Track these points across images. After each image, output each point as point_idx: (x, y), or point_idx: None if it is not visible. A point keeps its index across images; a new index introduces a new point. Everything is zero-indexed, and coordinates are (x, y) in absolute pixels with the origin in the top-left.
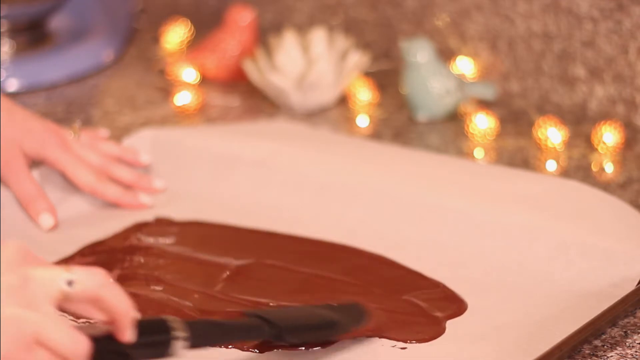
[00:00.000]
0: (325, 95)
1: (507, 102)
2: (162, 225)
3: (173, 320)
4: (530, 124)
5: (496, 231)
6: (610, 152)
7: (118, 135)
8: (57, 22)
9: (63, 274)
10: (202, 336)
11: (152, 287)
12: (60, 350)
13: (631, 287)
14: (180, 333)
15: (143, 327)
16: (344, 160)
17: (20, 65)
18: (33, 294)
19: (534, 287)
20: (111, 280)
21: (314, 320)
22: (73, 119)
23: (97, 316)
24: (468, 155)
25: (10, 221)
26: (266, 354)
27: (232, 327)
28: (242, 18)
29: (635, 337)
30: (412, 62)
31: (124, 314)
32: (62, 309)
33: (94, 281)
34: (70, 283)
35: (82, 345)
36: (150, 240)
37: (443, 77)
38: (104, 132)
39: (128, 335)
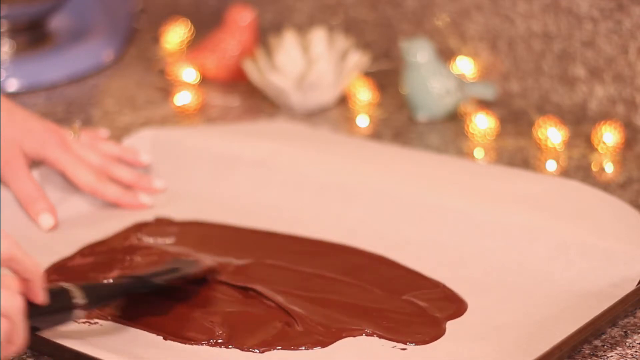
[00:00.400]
0: (325, 95)
1: (507, 102)
2: (162, 225)
3: (70, 286)
4: (530, 124)
5: (496, 231)
6: (610, 152)
7: (118, 135)
8: (57, 22)
9: None
10: (95, 295)
11: None
12: (2, 308)
13: (631, 287)
14: (78, 295)
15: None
16: (344, 160)
17: (20, 65)
18: None
19: (534, 287)
20: (18, 244)
21: (163, 267)
22: (73, 119)
23: (15, 285)
24: (468, 155)
25: (10, 221)
26: (266, 354)
27: (117, 286)
28: (242, 18)
29: (635, 337)
30: (412, 62)
31: (36, 272)
32: None
33: (6, 243)
34: None
35: (18, 300)
36: (150, 240)
37: (443, 77)
38: (104, 132)
39: (41, 296)
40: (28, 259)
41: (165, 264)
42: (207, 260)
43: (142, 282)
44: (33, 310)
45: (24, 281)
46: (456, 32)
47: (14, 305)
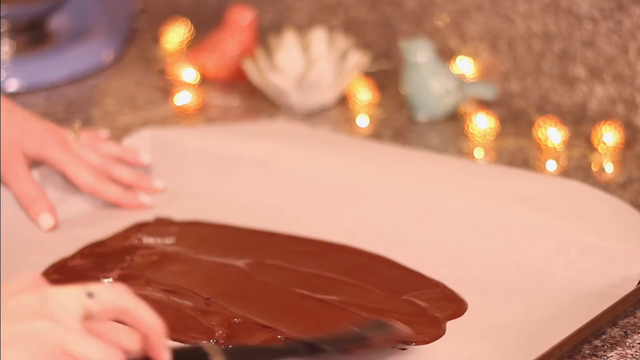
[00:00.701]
0: (325, 95)
1: (507, 102)
2: (162, 225)
3: (210, 347)
4: (530, 124)
5: (496, 231)
6: (610, 152)
7: (118, 135)
8: (57, 22)
9: (82, 289)
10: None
11: (152, 288)
12: None
13: (631, 287)
14: (218, 358)
15: (179, 354)
16: (344, 160)
17: (20, 65)
18: (56, 311)
19: (534, 287)
20: (130, 292)
21: (343, 333)
22: (73, 119)
23: (129, 344)
24: (468, 155)
25: (10, 221)
26: None
27: (267, 351)
28: (242, 18)
29: (635, 337)
30: (412, 62)
31: (153, 326)
32: (91, 333)
33: (115, 292)
34: (90, 295)
35: (115, 356)
36: (150, 240)
37: (443, 77)
38: (104, 132)
39: (164, 355)
40: (142, 310)
41: (346, 332)
42: (399, 326)
43: (308, 347)
44: None
45: (144, 340)
46: (456, 32)
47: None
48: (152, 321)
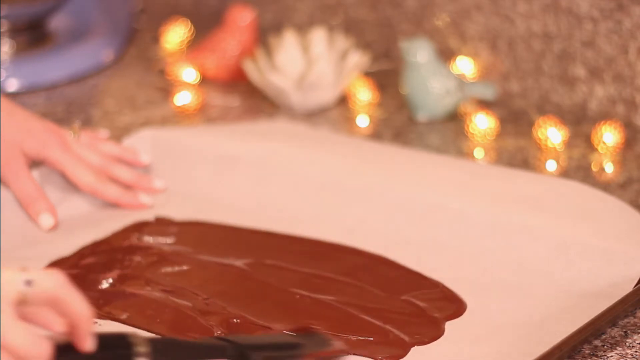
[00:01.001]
0: (325, 95)
1: (507, 102)
2: (162, 225)
3: (134, 336)
4: (530, 124)
5: (496, 231)
6: (610, 152)
7: (118, 135)
8: (57, 22)
9: (21, 275)
10: (163, 354)
11: (151, 287)
12: (21, 353)
13: (631, 287)
14: (141, 349)
15: (103, 342)
16: (344, 160)
17: (20, 65)
18: None
19: (534, 287)
20: (68, 282)
21: (276, 339)
22: (73, 119)
23: (55, 326)
24: (468, 155)
25: (10, 221)
26: None
27: (194, 346)
28: (242, 18)
29: (635, 337)
30: (412, 62)
31: (83, 317)
32: (21, 317)
33: (53, 281)
34: (28, 283)
35: (43, 348)
36: (150, 240)
37: (443, 77)
38: (104, 132)
39: (88, 343)
40: (75, 300)
41: (279, 336)
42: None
43: (236, 350)
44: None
45: (71, 325)
46: (456, 32)
47: (39, 351)
48: (81, 309)
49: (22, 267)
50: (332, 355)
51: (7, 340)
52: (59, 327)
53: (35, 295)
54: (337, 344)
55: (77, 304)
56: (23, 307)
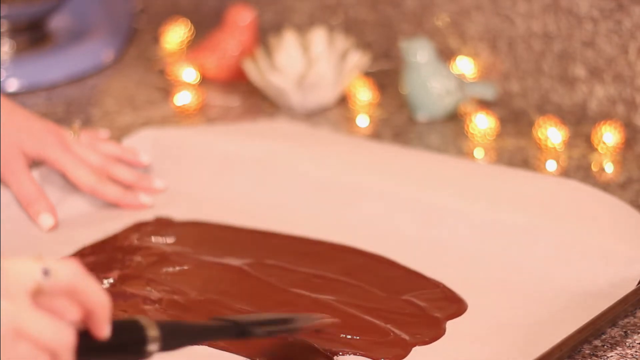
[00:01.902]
0: (325, 95)
1: (507, 102)
2: (162, 225)
3: (145, 319)
4: (530, 124)
5: (496, 231)
6: (610, 152)
7: (118, 135)
8: (57, 22)
9: (38, 264)
10: (174, 336)
11: (151, 287)
12: (44, 341)
13: (631, 287)
14: (152, 332)
15: (115, 327)
16: (344, 160)
17: (20, 65)
18: (7, 286)
19: (534, 287)
20: (85, 271)
21: (273, 316)
22: (73, 119)
23: (71, 315)
24: (468, 155)
25: (10, 221)
26: None
27: (202, 328)
28: (242, 18)
29: (635, 337)
30: (412, 62)
31: (100, 305)
32: (37, 306)
33: (70, 270)
34: (46, 272)
35: (67, 335)
36: (150, 240)
37: (443, 77)
38: (104, 132)
39: (105, 330)
40: (92, 289)
41: (273, 314)
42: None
43: (239, 328)
44: (94, 347)
45: (87, 313)
46: (456, 32)
47: (62, 339)
48: (99, 297)
49: (38, 256)
50: (327, 328)
51: (28, 330)
52: (73, 315)
53: (53, 284)
54: (328, 319)
55: (95, 292)
56: (40, 297)
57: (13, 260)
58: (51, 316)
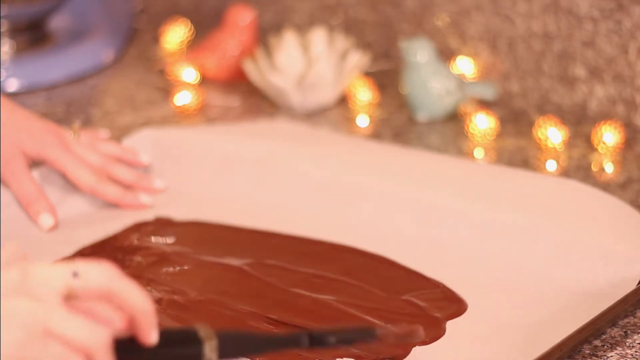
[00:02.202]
0: (325, 95)
1: (507, 102)
2: (162, 225)
3: (204, 329)
4: (530, 124)
5: (496, 231)
6: (610, 152)
7: (118, 135)
8: (57, 22)
9: (67, 267)
10: (232, 347)
11: (151, 287)
12: (76, 341)
13: (631, 287)
14: (211, 343)
15: (171, 337)
16: (344, 160)
17: (20, 65)
18: (37, 288)
19: (534, 287)
20: (120, 273)
21: (343, 327)
22: (73, 119)
23: (115, 322)
24: (468, 155)
25: (10, 221)
26: None
27: (264, 339)
28: (242, 18)
29: (635, 337)
30: (412, 62)
31: (142, 308)
32: (70, 308)
33: (102, 273)
34: (75, 274)
35: (101, 336)
36: (150, 240)
37: (443, 77)
38: (104, 132)
39: (152, 336)
40: (130, 293)
41: (350, 325)
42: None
43: (311, 338)
44: (140, 354)
45: (130, 318)
46: (456, 32)
47: (96, 339)
48: (140, 301)
49: (70, 259)
50: (408, 336)
51: (58, 330)
52: (117, 322)
53: (85, 287)
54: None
55: (134, 295)
56: (74, 302)
57: (42, 264)
58: (84, 317)
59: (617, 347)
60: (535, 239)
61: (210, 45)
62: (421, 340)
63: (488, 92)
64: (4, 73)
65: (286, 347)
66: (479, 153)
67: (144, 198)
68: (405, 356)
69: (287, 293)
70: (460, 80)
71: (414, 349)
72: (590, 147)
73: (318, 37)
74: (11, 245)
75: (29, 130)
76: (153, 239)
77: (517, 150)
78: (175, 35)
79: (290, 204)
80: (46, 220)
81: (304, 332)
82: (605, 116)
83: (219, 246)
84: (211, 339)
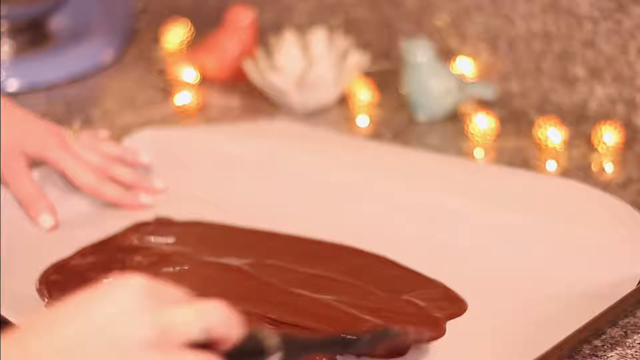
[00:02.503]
0: (325, 95)
1: (507, 102)
2: (162, 225)
3: (265, 331)
4: (530, 124)
5: (496, 231)
6: (610, 152)
7: (118, 135)
8: (57, 22)
9: (200, 322)
10: (293, 349)
11: None
12: None
13: (631, 287)
14: (273, 345)
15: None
16: (344, 160)
17: (20, 65)
18: (169, 342)
19: (534, 287)
20: (237, 317)
21: (382, 331)
22: (73, 119)
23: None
24: (468, 155)
25: (10, 221)
26: None
27: (315, 341)
28: (242, 18)
29: (635, 337)
30: (412, 62)
31: (234, 339)
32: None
33: (227, 325)
34: (206, 331)
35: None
36: (150, 240)
37: (443, 77)
38: (104, 132)
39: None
40: (235, 333)
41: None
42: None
43: (345, 342)
44: None
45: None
46: (456, 32)
47: None
48: (237, 335)
49: (188, 296)
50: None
51: None
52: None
53: (206, 337)
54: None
55: (236, 333)
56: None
57: (174, 313)
58: (197, 352)
59: (617, 347)
60: (535, 239)
61: (210, 45)
62: (424, 341)
63: (488, 92)
64: (4, 73)
65: (330, 351)
66: (479, 153)
67: (144, 198)
68: (402, 355)
69: (287, 293)
70: (460, 80)
71: (412, 348)
72: (590, 147)
73: (318, 37)
74: (136, 281)
75: (29, 131)
76: (153, 239)
77: (517, 150)
78: (175, 35)
79: (290, 204)
80: (46, 220)
81: (339, 337)
82: (605, 116)
83: (219, 246)
84: (271, 339)
